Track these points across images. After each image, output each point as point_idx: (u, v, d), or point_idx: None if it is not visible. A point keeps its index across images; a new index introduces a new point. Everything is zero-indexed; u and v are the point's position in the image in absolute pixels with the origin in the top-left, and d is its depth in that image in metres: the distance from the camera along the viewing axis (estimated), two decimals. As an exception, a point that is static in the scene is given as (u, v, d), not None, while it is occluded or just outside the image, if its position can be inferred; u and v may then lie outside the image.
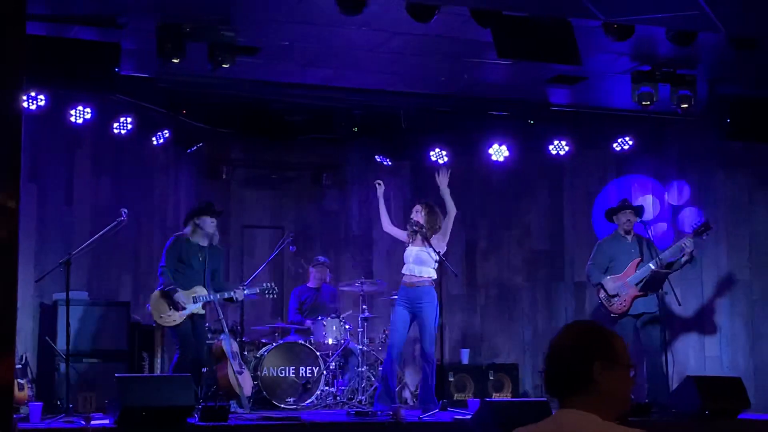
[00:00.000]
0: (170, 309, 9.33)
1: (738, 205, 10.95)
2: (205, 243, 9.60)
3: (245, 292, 9.84)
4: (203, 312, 9.54)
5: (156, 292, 9.47)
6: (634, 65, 9.53)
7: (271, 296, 10.36)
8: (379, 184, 9.99)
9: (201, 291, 9.47)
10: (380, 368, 10.69)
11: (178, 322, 9.32)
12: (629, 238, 10.01)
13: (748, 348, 10.79)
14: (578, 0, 7.66)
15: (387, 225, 9.95)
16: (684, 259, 9.76)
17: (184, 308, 9.31)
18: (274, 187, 12.93)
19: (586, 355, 2.87)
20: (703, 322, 11.06)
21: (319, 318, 10.90)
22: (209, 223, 9.61)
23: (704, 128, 10.76)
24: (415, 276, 9.44)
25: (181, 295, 9.32)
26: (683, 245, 9.72)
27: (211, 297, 9.50)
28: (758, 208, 10.86)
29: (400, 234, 9.80)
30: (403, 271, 9.57)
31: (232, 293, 9.68)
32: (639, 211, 10.13)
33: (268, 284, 10.23)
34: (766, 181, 10.89)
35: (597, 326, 2.95)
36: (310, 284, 11.69)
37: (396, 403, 9.22)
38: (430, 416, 8.72)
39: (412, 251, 9.53)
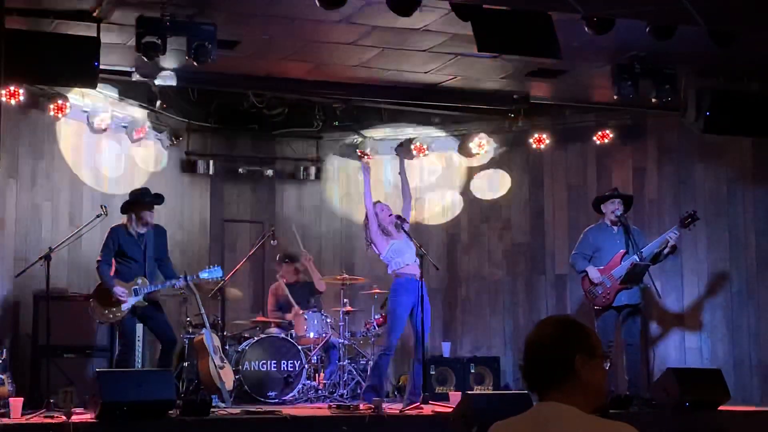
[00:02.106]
0: (111, 305, 9.08)
1: (717, 198, 11.00)
2: (143, 230, 9.33)
3: (188, 278, 9.47)
4: (146, 303, 9.22)
5: (95, 290, 9.25)
6: (615, 59, 9.55)
7: (215, 279, 10.03)
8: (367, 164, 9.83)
9: (141, 282, 9.19)
10: (365, 362, 10.71)
11: (120, 317, 9.10)
12: (615, 228, 10.00)
13: (727, 340, 10.84)
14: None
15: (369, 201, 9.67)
16: (666, 250, 9.78)
17: (124, 302, 9.06)
18: (254, 181, 12.92)
19: (568, 348, 2.89)
20: (683, 315, 11.11)
21: (300, 312, 10.91)
22: (149, 215, 9.35)
23: (683, 121, 10.79)
24: (418, 267, 9.40)
25: (119, 289, 9.06)
26: (669, 237, 9.74)
27: (152, 288, 9.23)
28: (737, 200, 10.91)
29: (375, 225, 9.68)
30: (405, 261, 9.48)
31: (173, 282, 9.37)
32: (628, 200, 10.13)
33: (211, 266, 9.82)
34: (744, 174, 10.93)
35: (573, 320, 2.98)
36: (285, 281, 11.65)
37: (381, 396, 9.22)
38: (411, 409, 8.72)
39: (404, 244, 9.52)
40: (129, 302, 9.11)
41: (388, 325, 9.69)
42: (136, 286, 9.17)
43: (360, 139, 12.58)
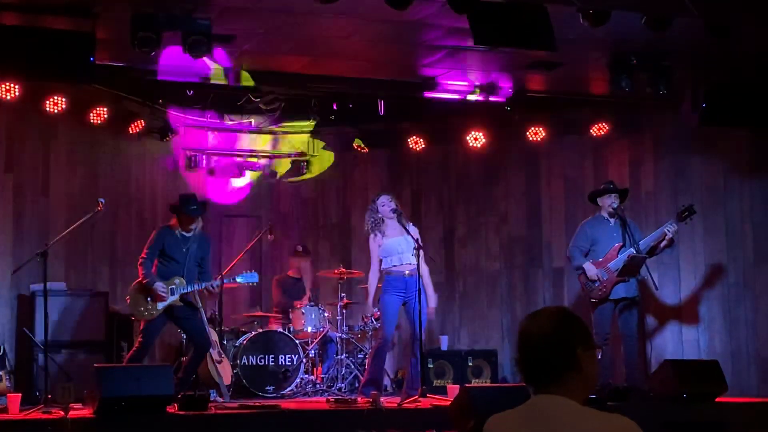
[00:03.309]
0: (148, 302, 9.07)
1: (713, 190, 11.00)
2: (190, 233, 9.36)
3: (225, 281, 9.61)
4: (181, 304, 9.25)
5: (134, 285, 9.21)
6: (610, 51, 9.55)
7: (252, 284, 10.13)
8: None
9: (179, 282, 9.20)
10: (362, 356, 10.71)
11: (155, 315, 9.08)
12: (612, 221, 10.01)
13: (724, 331, 10.85)
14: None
15: (374, 274, 9.71)
16: (664, 243, 9.80)
17: (163, 299, 9.06)
18: (251, 175, 12.91)
19: (569, 340, 2.88)
20: (680, 307, 11.12)
21: (298, 306, 10.92)
22: (191, 224, 9.33)
23: (680, 114, 10.81)
24: (410, 264, 9.44)
25: (160, 285, 9.07)
26: (666, 231, 9.75)
27: (188, 288, 9.24)
28: (733, 192, 10.91)
29: (374, 248, 9.66)
30: (393, 262, 9.51)
31: (210, 284, 9.36)
32: (624, 194, 10.14)
33: (247, 271, 9.96)
34: (741, 165, 10.94)
35: (569, 311, 2.97)
36: (290, 273, 11.71)
37: (380, 390, 9.23)
38: (409, 403, 8.73)
39: (399, 240, 9.53)
40: (168, 300, 9.10)
41: (381, 321, 9.74)
42: (173, 286, 9.16)
43: (356, 134, 12.58)
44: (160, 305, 9.10)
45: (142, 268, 9.17)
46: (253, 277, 9.91)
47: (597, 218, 10.13)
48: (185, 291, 9.25)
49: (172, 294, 9.17)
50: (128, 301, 9.28)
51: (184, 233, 9.34)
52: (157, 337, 9.58)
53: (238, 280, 9.82)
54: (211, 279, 9.46)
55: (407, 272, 9.42)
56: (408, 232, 9.46)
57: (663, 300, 11.09)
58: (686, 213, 9.84)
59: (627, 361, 9.78)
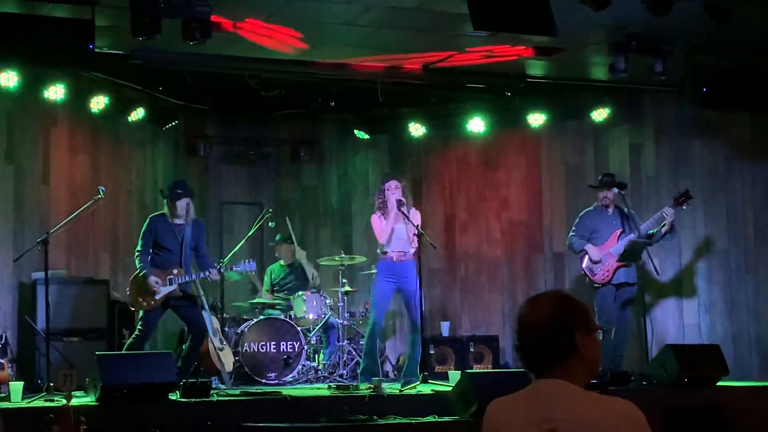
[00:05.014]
0: (146, 293, 9.08)
1: (714, 175, 11.00)
2: (181, 221, 9.32)
3: (222, 270, 9.56)
4: (180, 294, 9.25)
5: (132, 277, 9.25)
6: (611, 36, 9.52)
7: (251, 272, 10.15)
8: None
9: (177, 272, 9.19)
10: (363, 343, 10.71)
11: (154, 305, 9.09)
12: (610, 211, 10.08)
13: (725, 315, 10.86)
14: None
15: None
16: (664, 229, 9.84)
17: (157, 292, 9.07)
18: (251, 163, 12.91)
19: (568, 327, 2.87)
20: (681, 291, 11.13)
21: (299, 293, 10.91)
22: (180, 207, 9.28)
23: (681, 98, 10.78)
24: (402, 251, 9.46)
25: (153, 279, 9.07)
26: (664, 215, 9.80)
27: (187, 278, 9.23)
28: (734, 177, 10.91)
29: (378, 226, 9.62)
30: (385, 248, 9.51)
31: (207, 273, 9.32)
32: (621, 185, 10.17)
33: (245, 261, 9.92)
34: (742, 150, 10.93)
35: (568, 296, 2.96)
36: (282, 262, 11.69)
37: (378, 377, 9.24)
38: (410, 389, 8.74)
39: (395, 228, 9.53)
40: (162, 292, 9.11)
41: (370, 305, 9.78)
42: (171, 276, 9.16)
43: (357, 120, 12.57)
44: (158, 296, 9.11)
45: (137, 260, 9.20)
46: (251, 266, 9.90)
47: (595, 209, 10.21)
48: (183, 281, 9.24)
49: (170, 284, 9.16)
50: (128, 292, 9.33)
51: (175, 221, 9.30)
52: (156, 326, 9.59)
53: (236, 269, 9.80)
54: (209, 265, 9.41)
55: (395, 258, 9.44)
56: (408, 221, 9.43)
57: (664, 284, 11.09)
58: (683, 198, 9.90)
59: (629, 345, 9.83)
